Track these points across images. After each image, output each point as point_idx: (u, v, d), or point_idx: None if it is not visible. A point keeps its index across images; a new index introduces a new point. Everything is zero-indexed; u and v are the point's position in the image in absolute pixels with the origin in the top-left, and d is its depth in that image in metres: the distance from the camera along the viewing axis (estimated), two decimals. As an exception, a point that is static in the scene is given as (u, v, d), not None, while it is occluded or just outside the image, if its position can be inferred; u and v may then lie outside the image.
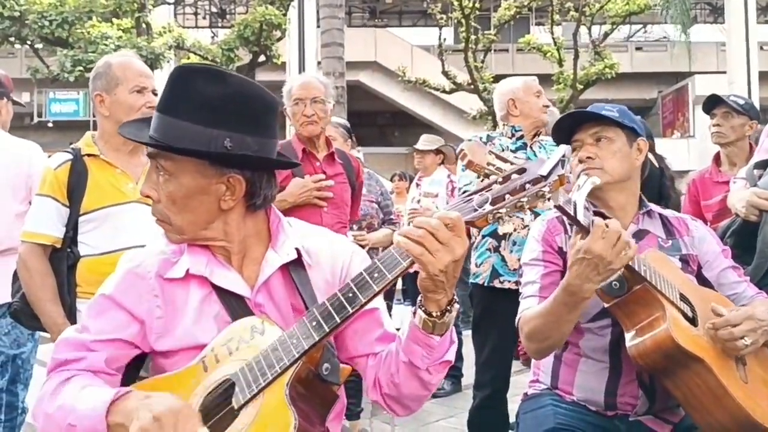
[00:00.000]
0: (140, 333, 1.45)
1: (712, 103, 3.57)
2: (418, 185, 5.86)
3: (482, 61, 15.56)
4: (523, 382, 4.15)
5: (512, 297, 2.14)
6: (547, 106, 3.31)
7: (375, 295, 1.28)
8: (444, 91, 16.46)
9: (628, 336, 1.76)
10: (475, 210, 1.26)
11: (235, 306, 1.43)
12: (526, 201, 1.26)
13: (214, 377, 1.33)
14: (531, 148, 3.24)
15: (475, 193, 1.28)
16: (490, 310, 2.88)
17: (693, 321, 1.79)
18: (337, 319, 1.28)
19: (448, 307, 1.31)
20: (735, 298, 1.96)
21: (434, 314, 1.30)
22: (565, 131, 2.02)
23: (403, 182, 7.18)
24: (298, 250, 1.46)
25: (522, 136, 3.22)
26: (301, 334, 1.29)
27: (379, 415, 4.25)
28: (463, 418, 3.47)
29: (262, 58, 14.44)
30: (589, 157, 1.94)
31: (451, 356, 1.38)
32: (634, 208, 2.02)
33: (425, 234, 1.21)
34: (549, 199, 1.30)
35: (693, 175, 3.77)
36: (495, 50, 18.98)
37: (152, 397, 1.26)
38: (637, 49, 26.39)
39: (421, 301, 1.32)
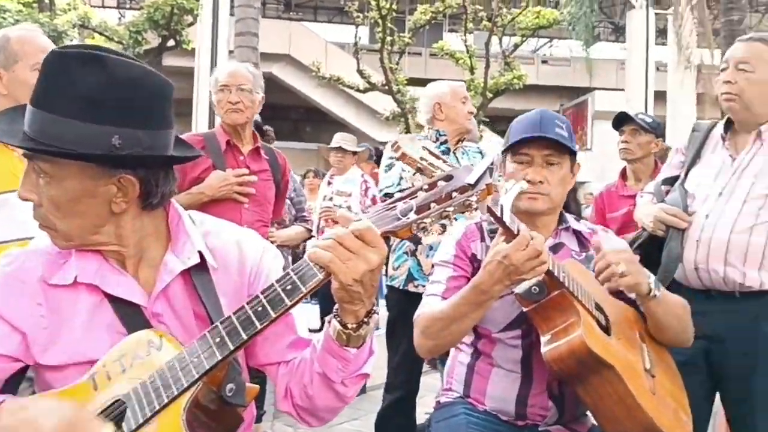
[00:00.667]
0: (22, 345, 1.28)
1: (620, 120, 3.72)
2: (330, 183, 5.79)
3: (397, 63, 15.66)
4: (428, 384, 4.19)
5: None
6: (472, 113, 3.33)
7: (287, 310, 1.17)
8: (358, 90, 16.44)
9: (543, 340, 1.78)
10: (399, 219, 1.19)
11: (130, 316, 1.29)
12: (452, 210, 1.20)
13: (104, 397, 1.18)
14: (454, 153, 3.25)
15: (400, 200, 1.21)
16: (405, 314, 2.85)
17: (607, 330, 1.83)
18: (244, 336, 1.16)
19: (366, 319, 1.24)
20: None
21: (350, 326, 1.24)
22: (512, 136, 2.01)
23: (317, 179, 7.10)
24: (200, 253, 1.34)
25: (446, 141, 3.23)
26: (203, 352, 1.17)
27: (281, 417, 4.15)
28: (368, 420, 3.45)
29: (171, 42, 13.91)
30: (540, 182, 1.93)
31: (368, 369, 1.32)
32: (555, 223, 2.05)
33: (333, 243, 1.15)
34: (476, 209, 1.26)
35: (600, 188, 3.92)
36: (409, 53, 19.17)
37: (30, 409, 1.11)
38: (543, 62, 27.45)
39: (337, 311, 1.24)
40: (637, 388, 1.75)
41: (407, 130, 14.53)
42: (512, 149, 1.98)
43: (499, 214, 1.60)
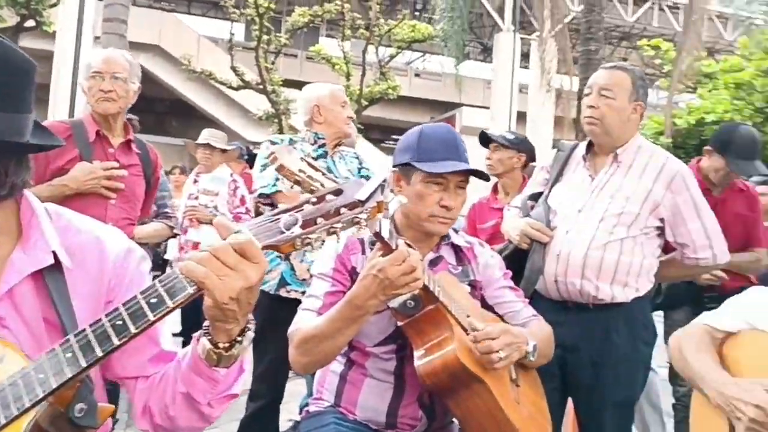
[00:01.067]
0: None
1: (484, 139, 3.89)
2: (196, 181, 5.56)
3: (272, 63, 15.45)
4: (292, 390, 4.13)
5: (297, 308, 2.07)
6: (352, 118, 3.32)
7: (149, 326, 1.04)
8: (231, 87, 16.03)
9: (417, 354, 1.77)
10: (282, 232, 1.10)
11: None
12: (340, 227, 1.14)
13: None
14: (332, 157, 3.22)
15: (284, 212, 1.13)
16: (275, 320, 2.77)
17: None
18: (99, 353, 1.02)
19: (239, 338, 1.14)
20: (513, 316, 2.07)
21: (221, 345, 1.13)
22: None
23: (184, 176, 6.80)
24: (55, 253, 1.20)
25: (324, 144, 3.19)
26: (50, 368, 1.02)
27: (134, 426, 3.91)
28: (227, 428, 3.33)
29: (30, 23, 12.86)
30: (454, 208, 1.94)
31: (237, 389, 1.23)
32: (438, 238, 2.05)
33: (209, 256, 1.04)
34: (366, 226, 1.21)
35: (474, 200, 4.07)
36: (285, 54, 18.97)
37: None
38: (416, 75, 28.18)
39: (207, 328, 1.13)
40: (504, 401, 1.79)
41: (280, 131, 14.34)
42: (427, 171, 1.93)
43: (377, 228, 1.56)
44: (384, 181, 1.23)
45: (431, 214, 1.92)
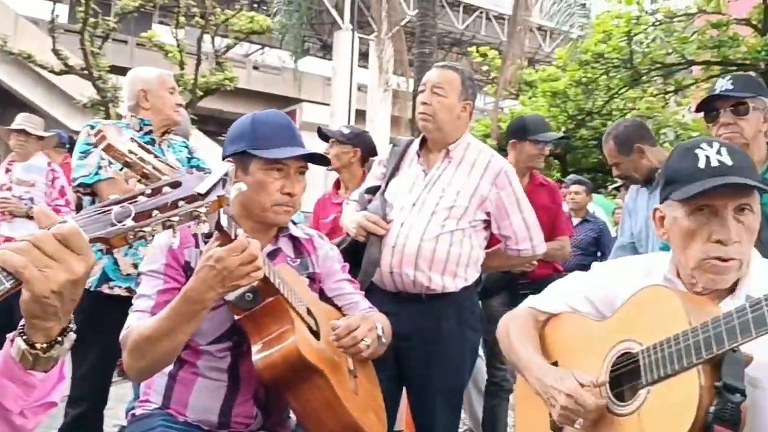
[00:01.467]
0: None
1: (322, 134, 3.92)
2: (8, 170, 5.06)
3: (99, 48, 14.41)
4: (117, 394, 3.88)
5: (123, 305, 1.95)
6: (180, 105, 3.17)
7: None
8: (52, 72, 14.74)
9: (255, 349, 1.73)
10: (113, 224, 1.04)
11: None
12: (177, 221, 1.09)
13: None
14: (159, 145, 3.05)
15: (117, 203, 1.06)
16: (96, 319, 2.58)
17: (317, 335, 1.85)
18: None
19: (59, 338, 1.04)
20: (351, 308, 2.10)
21: (39, 346, 1.02)
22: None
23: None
24: None
25: (151, 131, 3.02)
26: None
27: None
28: (46, 440, 3.05)
29: None
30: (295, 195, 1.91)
31: (57, 396, 1.11)
32: (275, 229, 2.01)
33: (28, 245, 0.95)
34: (205, 222, 1.17)
35: (318, 196, 4.11)
36: (114, 40, 17.80)
37: None
38: (255, 68, 27.70)
39: (22, 327, 1.02)
40: (343, 392, 1.80)
41: (107, 119, 13.42)
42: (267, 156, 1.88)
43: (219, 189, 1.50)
44: (226, 174, 1.20)
45: (275, 203, 1.88)
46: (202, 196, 1.12)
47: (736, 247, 1.50)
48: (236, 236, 1.57)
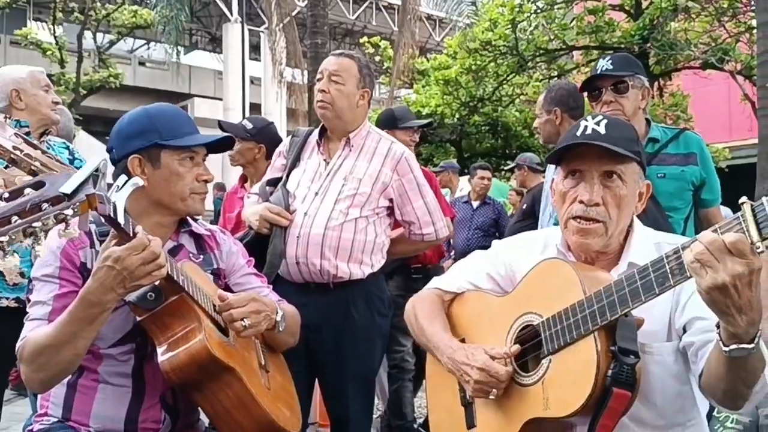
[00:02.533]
0: None
1: (223, 131, 3.81)
2: None
3: (-34, 46, 13.40)
4: (13, 414, 3.66)
5: (12, 318, 1.83)
6: (57, 103, 2.99)
7: None
8: None
9: (160, 350, 1.67)
10: None
11: None
12: (39, 227, 1.01)
13: None
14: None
15: None
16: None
17: (225, 332, 1.80)
18: None
19: None
20: None
21: None
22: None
23: None
24: None
25: (28, 133, 2.83)
26: None
27: None
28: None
29: None
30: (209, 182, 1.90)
31: None
32: (176, 225, 1.95)
33: None
34: (72, 225, 1.08)
35: (226, 191, 4.03)
36: (-17, 37, 16.60)
37: None
38: (141, 63, 26.61)
39: None
40: (255, 387, 1.76)
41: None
42: (178, 145, 1.84)
43: (111, 213, 1.40)
44: (97, 170, 1.12)
45: (193, 191, 1.85)
46: (69, 196, 1.03)
47: (598, 210, 1.59)
48: (135, 234, 1.51)
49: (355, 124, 2.69)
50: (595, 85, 2.66)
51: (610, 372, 1.42)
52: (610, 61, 2.66)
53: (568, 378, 1.49)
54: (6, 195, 1.01)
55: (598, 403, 1.42)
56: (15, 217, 0.99)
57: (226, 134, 1.97)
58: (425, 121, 4.29)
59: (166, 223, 1.89)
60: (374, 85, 2.77)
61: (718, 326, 1.30)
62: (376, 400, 3.18)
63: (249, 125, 3.75)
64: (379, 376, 3.88)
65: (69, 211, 1.04)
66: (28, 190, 1.02)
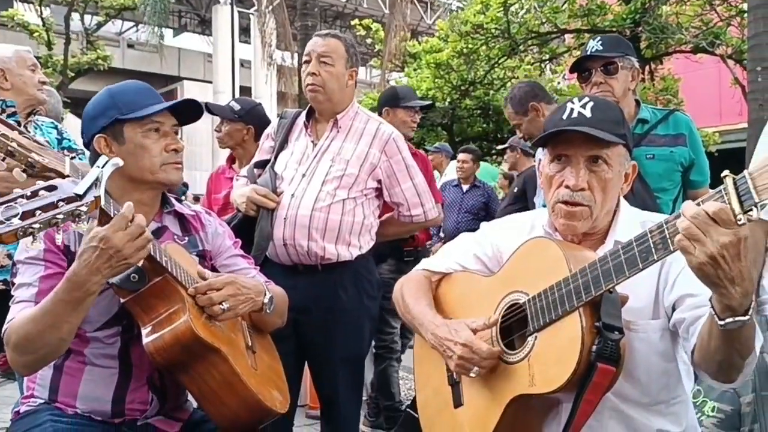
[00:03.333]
0: None
1: (210, 112, 3.78)
2: None
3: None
4: (3, 397, 3.65)
5: (1, 300, 1.82)
6: (44, 83, 2.96)
7: None
8: None
9: (145, 331, 1.66)
10: (2, 222, 1.16)
11: None
12: (61, 218, 1.21)
13: None
14: (25, 127, 2.84)
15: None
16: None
17: None
18: None
19: None
20: None
21: None
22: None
23: None
24: None
25: (15, 113, 2.81)
26: None
27: None
28: None
29: None
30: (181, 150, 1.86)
31: None
32: (158, 205, 1.93)
33: None
34: (88, 220, 1.28)
35: (213, 171, 3.98)
36: (-32, 18, 16.36)
37: None
38: (130, 46, 26.35)
39: None
40: (241, 368, 1.76)
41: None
42: (142, 118, 1.80)
43: (103, 204, 1.43)
44: (97, 179, 1.33)
45: (164, 162, 1.81)
46: (80, 197, 1.26)
47: (584, 194, 1.60)
48: (117, 211, 1.49)
49: (343, 105, 2.67)
50: (585, 66, 2.66)
51: (594, 348, 1.43)
52: (599, 42, 2.65)
53: (554, 354, 1.50)
54: (28, 194, 1.20)
55: (582, 378, 1.43)
56: (39, 211, 1.19)
57: (187, 99, 1.90)
58: (427, 102, 4.23)
59: (146, 201, 1.86)
60: (360, 64, 2.75)
61: (711, 300, 1.31)
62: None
63: (237, 106, 3.71)
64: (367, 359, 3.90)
65: (83, 209, 1.25)
66: (43, 192, 1.22)
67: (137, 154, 1.79)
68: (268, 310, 1.91)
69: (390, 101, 3.82)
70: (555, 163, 1.65)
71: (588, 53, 2.66)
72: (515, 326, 1.65)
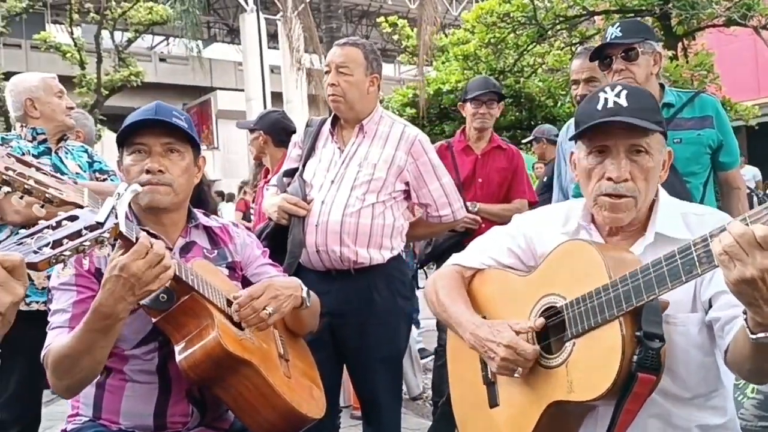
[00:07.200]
0: None
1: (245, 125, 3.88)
2: None
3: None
4: (54, 413, 3.76)
5: (42, 321, 1.87)
6: (72, 108, 3.03)
7: None
8: (-60, 85, 13.86)
9: (177, 349, 1.69)
10: (36, 252, 1.23)
11: None
12: (87, 245, 1.28)
13: None
14: (56, 153, 2.92)
15: (28, 236, 1.24)
16: (16, 338, 2.45)
17: (240, 326, 1.82)
18: None
19: None
20: None
21: None
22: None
23: None
24: None
25: (46, 140, 2.89)
26: None
27: None
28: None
29: None
30: (159, 170, 1.80)
31: None
32: (184, 221, 1.96)
33: None
34: (112, 247, 1.35)
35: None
36: (5, 45, 16.87)
37: None
38: (162, 60, 26.81)
39: None
40: (274, 378, 1.78)
41: (7, 130, 12.76)
42: (126, 140, 1.84)
43: (124, 230, 1.45)
44: (113, 209, 1.39)
45: (141, 184, 1.74)
46: (101, 224, 1.32)
47: (627, 185, 1.56)
48: (137, 239, 1.52)
49: (367, 111, 2.68)
50: (606, 53, 2.61)
51: (635, 357, 1.40)
52: (619, 29, 2.60)
53: (593, 362, 1.48)
54: (53, 224, 1.26)
55: (622, 387, 1.41)
56: (66, 240, 1.25)
57: (160, 119, 1.82)
58: (480, 92, 3.74)
59: (166, 222, 1.89)
60: (382, 68, 2.75)
61: (744, 312, 1.28)
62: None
63: (255, 118, 3.86)
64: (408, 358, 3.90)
65: (106, 235, 1.31)
66: (65, 222, 1.28)
67: (126, 178, 1.82)
68: (308, 304, 1.94)
69: (462, 98, 3.82)
70: (593, 155, 1.60)
71: (608, 40, 2.61)
72: (551, 330, 1.62)
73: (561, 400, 1.52)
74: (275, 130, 3.71)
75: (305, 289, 1.95)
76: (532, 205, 3.57)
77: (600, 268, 1.50)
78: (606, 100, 1.59)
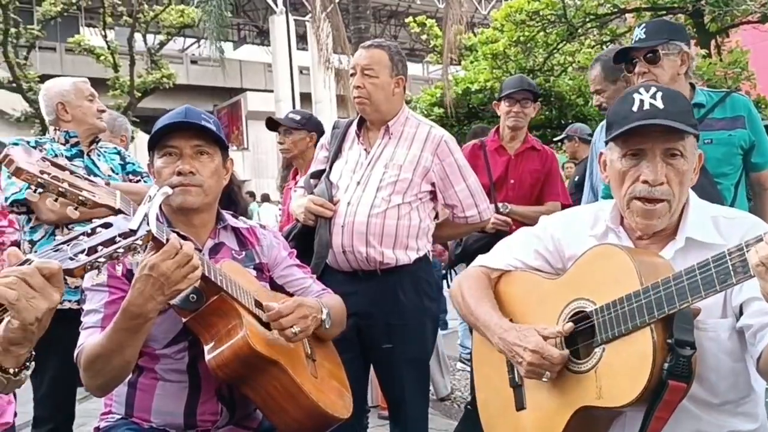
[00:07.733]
0: None
1: (273, 124, 3.87)
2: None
3: (26, 58, 13.93)
4: (88, 410, 3.83)
5: (75, 319, 1.92)
6: (103, 111, 3.09)
7: None
8: (-21, 88, 14.23)
9: (207, 348, 1.72)
10: (72, 259, 1.25)
11: None
12: (121, 252, 1.31)
13: None
14: (89, 155, 2.98)
15: (65, 243, 1.27)
16: (50, 336, 2.50)
17: (268, 326, 1.83)
18: None
19: (27, 362, 1.21)
20: (303, 292, 2.08)
21: (11, 371, 1.18)
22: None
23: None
24: None
25: (78, 143, 2.95)
26: None
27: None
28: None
29: None
30: (191, 172, 1.84)
31: (9, 416, 1.18)
32: (213, 223, 1.99)
33: (17, 280, 1.12)
34: (144, 252, 1.38)
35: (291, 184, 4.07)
36: (41, 48, 17.24)
37: None
38: (193, 62, 27.14)
39: None
40: (301, 378, 1.79)
41: (43, 132, 13.05)
42: (158, 143, 1.88)
43: (154, 231, 1.48)
44: (146, 216, 1.40)
45: (171, 185, 1.78)
46: (134, 231, 1.34)
47: (662, 188, 1.54)
48: (168, 240, 1.55)
49: (392, 113, 2.69)
50: (630, 55, 2.58)
51: (666, 365, 1.38)
52: (644, 30, 2.57)
53: (623, 369, 1.46)
54: (88, 231, 1.28)
55: (653, 395, 1.40)
56: (100, 246, 1.27)
57: (189, 121, 1.87)
58: (513, 90, 3.71)
59: (196, 222, 1.93)
60: (407, 69, 2.75)
61: None
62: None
63: (297, 117, 3.83)
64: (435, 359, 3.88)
65: (139, 242, 1.32)
66: (99, 230, 1.30)
67: (157, 180, 1.86)
68: (326, 326, 1.94)
69: (498, 96, 3.80)
70: (628, 158, 1.58)
71: (634, 41, 2.58)
72: (580, 335, 1.60)
73: (589, 406, 1.51)
74: (320, 131, 3.70)
75: (325, 311, 1.94)
76: (565, 208, 3.52)
77: (631, 274, 1.48)
78: (642, 101, 1.57)
